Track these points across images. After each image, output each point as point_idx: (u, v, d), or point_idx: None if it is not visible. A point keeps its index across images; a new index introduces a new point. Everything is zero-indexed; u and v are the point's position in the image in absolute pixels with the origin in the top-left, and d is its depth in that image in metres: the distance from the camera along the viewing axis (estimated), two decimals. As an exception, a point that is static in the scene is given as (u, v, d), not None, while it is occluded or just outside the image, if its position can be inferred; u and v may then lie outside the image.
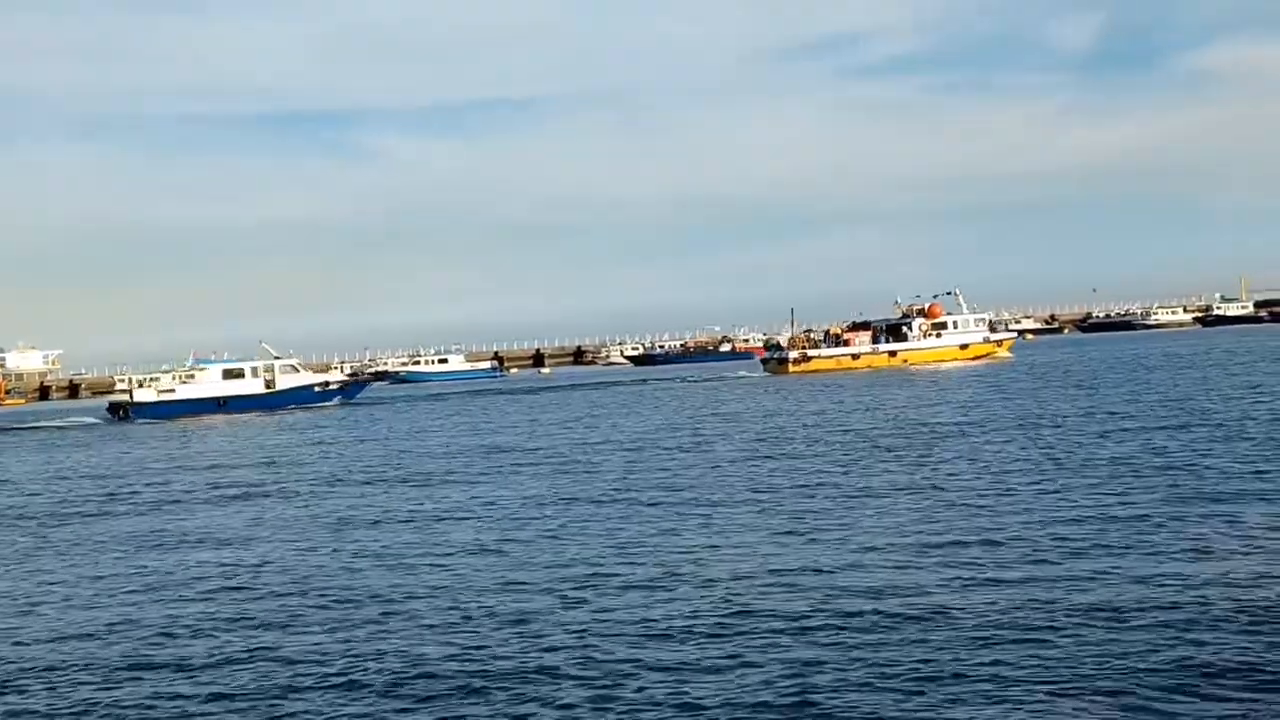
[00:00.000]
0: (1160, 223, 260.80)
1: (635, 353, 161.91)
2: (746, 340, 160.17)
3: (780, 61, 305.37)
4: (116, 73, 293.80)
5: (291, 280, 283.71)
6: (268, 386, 71.71)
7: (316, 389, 74.01)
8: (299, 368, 74.77)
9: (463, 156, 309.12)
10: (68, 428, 69.58)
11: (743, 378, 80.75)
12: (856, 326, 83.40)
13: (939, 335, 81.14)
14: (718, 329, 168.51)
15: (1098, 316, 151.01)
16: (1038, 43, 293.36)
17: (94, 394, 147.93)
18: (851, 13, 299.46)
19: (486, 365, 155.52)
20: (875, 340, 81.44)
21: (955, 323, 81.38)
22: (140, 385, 75.57)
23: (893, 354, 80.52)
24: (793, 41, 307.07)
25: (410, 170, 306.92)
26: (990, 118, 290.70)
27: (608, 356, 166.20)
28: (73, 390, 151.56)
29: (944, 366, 76.25)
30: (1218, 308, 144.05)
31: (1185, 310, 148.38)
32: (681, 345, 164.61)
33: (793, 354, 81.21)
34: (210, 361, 72.81)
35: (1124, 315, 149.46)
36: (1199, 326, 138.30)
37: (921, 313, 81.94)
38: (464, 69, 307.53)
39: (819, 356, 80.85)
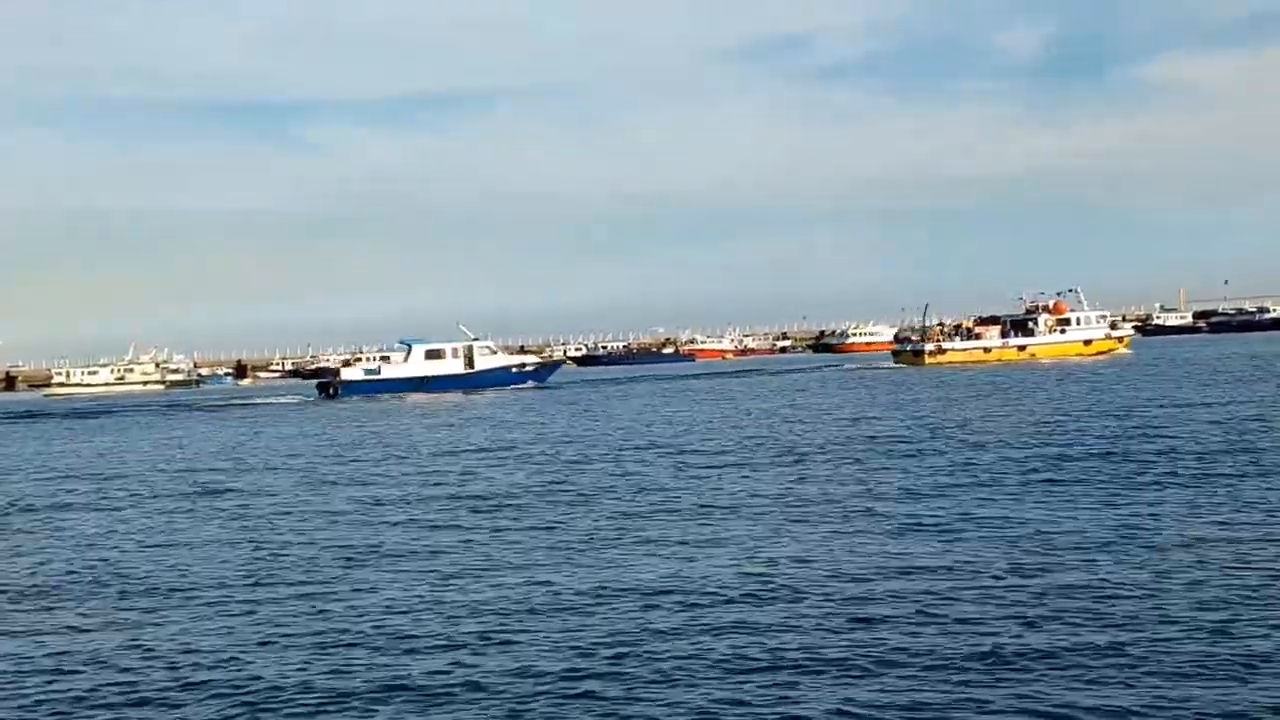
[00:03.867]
0: (1103, 230, 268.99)
1: (579, 354, 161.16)
2: (694, 341, 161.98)
3: (734, 61, 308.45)
4: (62, 57, 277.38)
5: (235, 271, 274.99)
6: (467, 367, 70.81)
7: (514, 370, 73.48)
8: (494, 349, 73.84)
9: (412, 149, 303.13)
10: (287, 404, 70.14)
11: (884, 369, 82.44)
12: (984, 321, 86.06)
13: (1063, 331, 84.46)
14: (661, 330, 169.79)
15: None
16: (988, 50, 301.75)
17: (30, 386, 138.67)
18: (805, 14, 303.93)
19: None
20: (1004, 335, 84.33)
21: (1079, 319, 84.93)
22: (348, 364, 75.86)
23: (1021, 348, 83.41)
24: (747, 41, 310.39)
25: (360, 163, 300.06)
26: (939, 122, 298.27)
27: (551, 357, 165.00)
28: (9, 382, 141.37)
29: (1069, 361, 79.58)
30: (1157, 317, 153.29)
31: (1125, 319, 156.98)
32: (624, 347, 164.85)
33: (929, 346, 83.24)
34: (414, 341, 71.64)
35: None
36: (1139, 335, 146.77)
37: (1046, 309, 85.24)
38: (416, 61, 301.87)
39: (953, 349, 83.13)
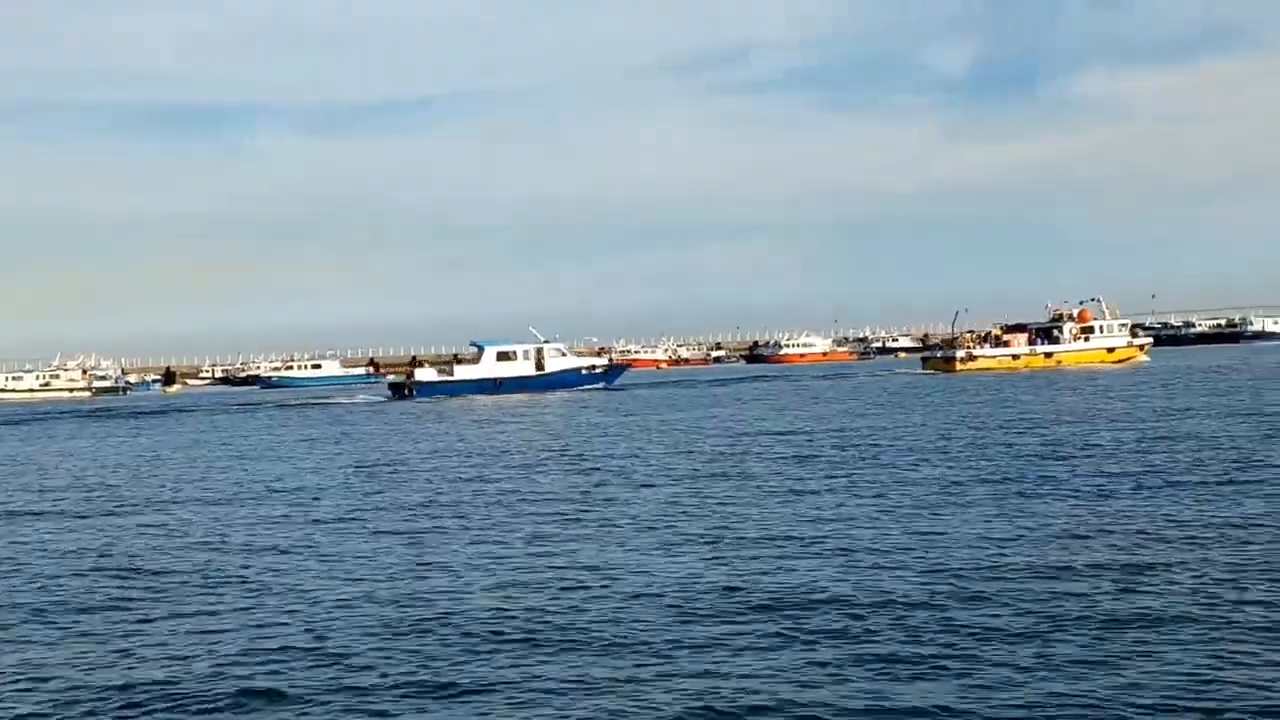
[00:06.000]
0: (1028, 246, 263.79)
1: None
2: (628, 351, 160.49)
3: (670, 73, 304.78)
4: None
5: (165, 276, 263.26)
6: (538, 369, 69.07)
7: (584, 372, 71.75)
8: (564, 351, 71.84)
9: (352, 156, 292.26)
10: (360, 404, 69.36)
11: (916, 374, 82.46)
12: (1011, 329, 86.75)
13: (1087, 339, 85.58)
14: (595, 340, 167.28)
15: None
16: (920, 65, 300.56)
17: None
18: (742, 28, 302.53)
19: (361, 371, 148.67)
20: (1031, 342, 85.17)
21: (1102, 327, 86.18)
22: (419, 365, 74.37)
23: (1048, 355, 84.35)
24: (683, 54, 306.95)
25: (298, 169, 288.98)
26: (874, 136, 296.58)
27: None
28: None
29: (1095, 368, 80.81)
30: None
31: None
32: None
33: (960, 353, 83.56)
34: (486, 343, 69.62)
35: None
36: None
37: (1071, 317, 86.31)
38: (358, 68, 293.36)
39: (983, 356, 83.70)
